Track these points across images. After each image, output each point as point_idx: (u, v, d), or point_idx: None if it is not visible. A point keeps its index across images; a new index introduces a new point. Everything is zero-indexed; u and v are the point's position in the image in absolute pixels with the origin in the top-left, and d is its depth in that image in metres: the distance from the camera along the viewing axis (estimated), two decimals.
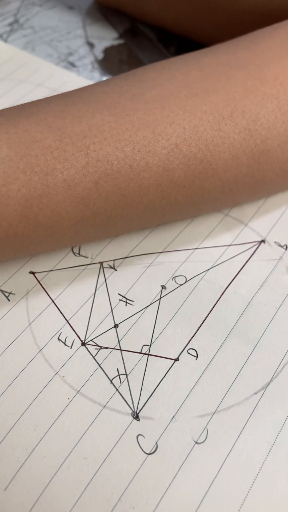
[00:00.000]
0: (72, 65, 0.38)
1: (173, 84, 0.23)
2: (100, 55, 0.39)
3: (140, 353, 0.22)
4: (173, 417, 0.20)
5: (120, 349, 0.22)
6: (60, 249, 0.25)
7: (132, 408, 0.21)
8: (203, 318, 0.23)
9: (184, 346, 0.22)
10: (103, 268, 0.25)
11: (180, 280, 0.25)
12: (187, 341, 0.23)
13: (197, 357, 0.22)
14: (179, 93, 0.23)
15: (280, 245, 0.26)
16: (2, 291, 0.24)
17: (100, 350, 0.22)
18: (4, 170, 0.20)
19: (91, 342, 0.23)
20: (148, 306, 0.24)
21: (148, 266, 0.25)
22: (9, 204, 0.20)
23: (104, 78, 0.36)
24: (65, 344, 0.22)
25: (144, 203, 0.22)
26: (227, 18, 0.34)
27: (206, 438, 0.20)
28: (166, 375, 0.22)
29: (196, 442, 0.20)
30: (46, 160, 0.20)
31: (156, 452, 0.19)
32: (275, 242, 0.27)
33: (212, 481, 0.19)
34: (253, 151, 0.23)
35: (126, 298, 0.24)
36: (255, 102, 0.23)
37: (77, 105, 0.22)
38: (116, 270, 0.25)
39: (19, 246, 0.22)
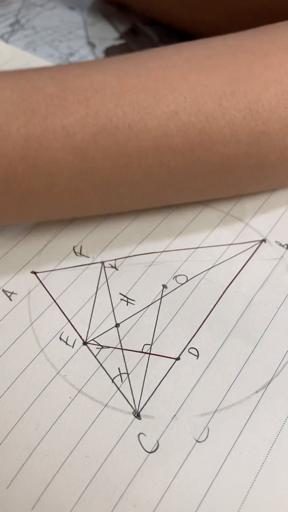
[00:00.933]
0: None
1: (178, 58, 0.24)
2: (101, 55, 0.39)
3: (141, 352, 0.22)
4: (174, 415, 0.20)
5: (122, 348, 0.22)
6: (62, 215, 0.25)
7: (134, 407, 0.21)
8: (204, 317, 0.24)
9: (185, 345, 0.23)
10: (104, 267, 0.25)
11: (181, 279, 0.25)
12: (188, 340, 0.23)
13: (198, 356, 0.22)
14: (183, 66, 0.23)
15: (281, 245, 0.26)
16: (4, 291, 0.24)
17: (102, 349, 0.22)
18: (6, 109, 0.21)
19: (92, 342, 0.23)
20: (149, 305, 0.24)
21: (149, 266, 0.26)
22: (8, 142, 0.21)
23: None
24: (66, 344, 0.23)
25: (143, 167, 0.23)
26: (233, 12, 0.34)
27: (207, 437, 0.20)
28: (167, 374, 0.22)
29: (197, 441, 0.20)
30: (47, 105, 0.21)
31: (157, 450, 0.20)
32: (276, 242, 0.27)
33: (213, 480, 0.19)
34: (253, 131, 0.23)
35: (127, 298, 0.24)
36: (257, 84, 0.23)
37: (81, 66, 0.23)
38: (117, 269, 0.25)
39: (20, 193, 0.22)
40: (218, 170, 0.24)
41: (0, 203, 0.22)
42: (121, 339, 0.23)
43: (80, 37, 0.40)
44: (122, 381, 0.21)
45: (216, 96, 0.23)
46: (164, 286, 0.25)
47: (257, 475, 0.19)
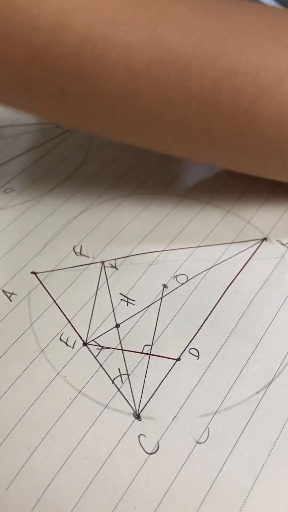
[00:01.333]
0: None
1: (260, 19, 0.23)
2: None
3: (142, 353, 0.22)
4: (175, 417, 0.20)
5: (122, 349, 0.22)
6: (98, 129, 0.25)
7: (134, 408, 0.21)
8: (205, 317, 0.23)
9: (185, 346, 0.22)
10: (104, 267, 0.25)
11: (182, 279, 0.25)
12: (189, 341, 0.23)
13: (198, 356, 0.22)
14: (262, 28, 0.22)
15: (282, 243, 0.26)
16: (4, 292, 0.24)
17: (102, 350, 0.22)
18: (74, 2, 0.21)
19: (92, 342, 0.23)
20: (149, 305, 0.24)
21: (150, 265, 0.25)
22: (67, 32, 0.21)
23: None
24: (66, 344, 0.22)
25: (184, 112, 0.22)
26: None
27: (207, 438, 0.20)
28: (168, 375, 0.22)
29: (197, 442, 0.20)
30: (115, 16, 0.22)
31: (157, 451, 0.20)
32: (277, 240, 0.26)
33: (214, 481, 0.19)
34: None
35: (127, 298, 0.24)
36: None
37: None
38: (117, 269, 0.25)
39: (70, 86, 0.22)
40: (258, 147, 0.24)
41: (45, 95, 0.23)
42: (121, 339, 0.23)
43: None
44: (122, 382, 0.21)
45: (279, 72, 0.22)
46: (165, 286, 0.25)
47: (257, 477, 0.19)
